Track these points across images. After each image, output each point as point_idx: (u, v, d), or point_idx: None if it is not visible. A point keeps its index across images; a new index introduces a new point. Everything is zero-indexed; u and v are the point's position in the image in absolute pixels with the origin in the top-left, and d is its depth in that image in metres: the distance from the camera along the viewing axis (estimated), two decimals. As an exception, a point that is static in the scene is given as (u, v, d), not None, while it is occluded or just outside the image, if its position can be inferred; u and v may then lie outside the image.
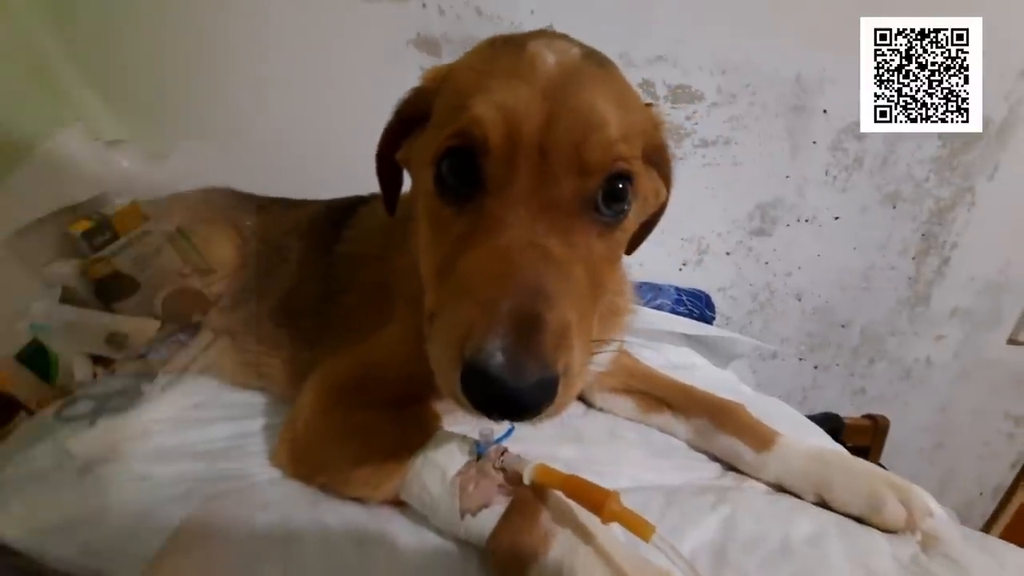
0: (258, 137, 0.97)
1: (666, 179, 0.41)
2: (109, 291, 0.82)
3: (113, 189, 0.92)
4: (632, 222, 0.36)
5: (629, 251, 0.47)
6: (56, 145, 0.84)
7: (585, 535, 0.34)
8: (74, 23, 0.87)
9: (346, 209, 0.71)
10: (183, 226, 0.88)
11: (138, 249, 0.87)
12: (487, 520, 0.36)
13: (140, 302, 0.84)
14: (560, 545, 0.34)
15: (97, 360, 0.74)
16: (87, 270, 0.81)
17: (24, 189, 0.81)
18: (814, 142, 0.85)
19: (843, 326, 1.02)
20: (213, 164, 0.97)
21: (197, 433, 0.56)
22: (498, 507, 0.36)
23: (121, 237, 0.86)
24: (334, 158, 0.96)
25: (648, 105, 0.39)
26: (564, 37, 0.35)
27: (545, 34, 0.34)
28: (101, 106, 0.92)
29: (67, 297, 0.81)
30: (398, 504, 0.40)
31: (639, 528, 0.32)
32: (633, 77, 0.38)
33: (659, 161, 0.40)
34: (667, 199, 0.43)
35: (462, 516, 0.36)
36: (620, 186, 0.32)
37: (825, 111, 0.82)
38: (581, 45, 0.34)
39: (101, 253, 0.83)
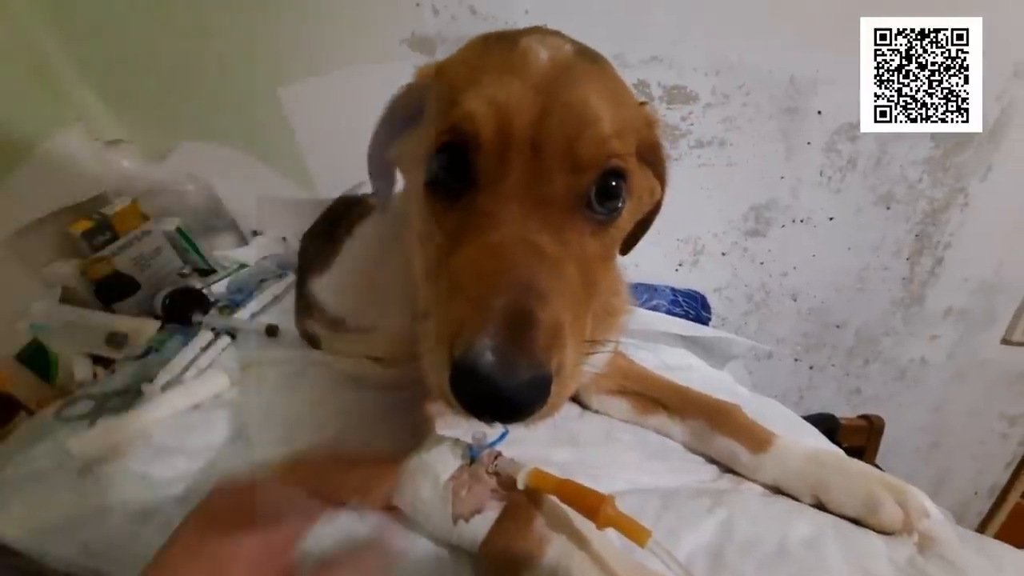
0: (256, 137, 0.96)
1: (661, 178, 0.41)
2: (109, 291, 0.82)
3: (113, 189, 0.92)
4: (626, 220, 0.35)
5: (625, 251, 0.47)
6: (56, 145, 0.84)
7: (580, 541, 0.34)
8: (74, 23, 0.86)
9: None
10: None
11: (138, 249, 0.88)
12: (480, 526, 0.35)
13: (140, 302, 0.85)
14: (554, 551, 0.33)
15: (97, 360, 0.74)
16: (87, 270, 0.81)
17: (24, 189, 0.80)
18: (808, 143, 0.85)
19: (838, 326, 1.02)
20: (212, 164, 0.97)
21: (197, 433, 0.55)
22: (491, 512, 0.36)
23: (121, 237, 0.86)
24: (332, 157, 0.96)
25: (642, 103, 0.38)
26: (557, 33, 0.34)
27: (538, 30, 0.34)
28: (101, 106, 0.92)
29: (67, 297, 0.81)
30: (390, 509, 0.39)
31: (635, 533, 0.31)
32: (628, 78, 0.38)
33: (653, 159, 0.39)
34: (662, 198, 0.43)
35: (455, 522, 0.36)
36: (614, 183, 0.32)
37: (819, 112, 0.82)
38: (574, 42, 0.34)
39: (101, 253, 0.83)
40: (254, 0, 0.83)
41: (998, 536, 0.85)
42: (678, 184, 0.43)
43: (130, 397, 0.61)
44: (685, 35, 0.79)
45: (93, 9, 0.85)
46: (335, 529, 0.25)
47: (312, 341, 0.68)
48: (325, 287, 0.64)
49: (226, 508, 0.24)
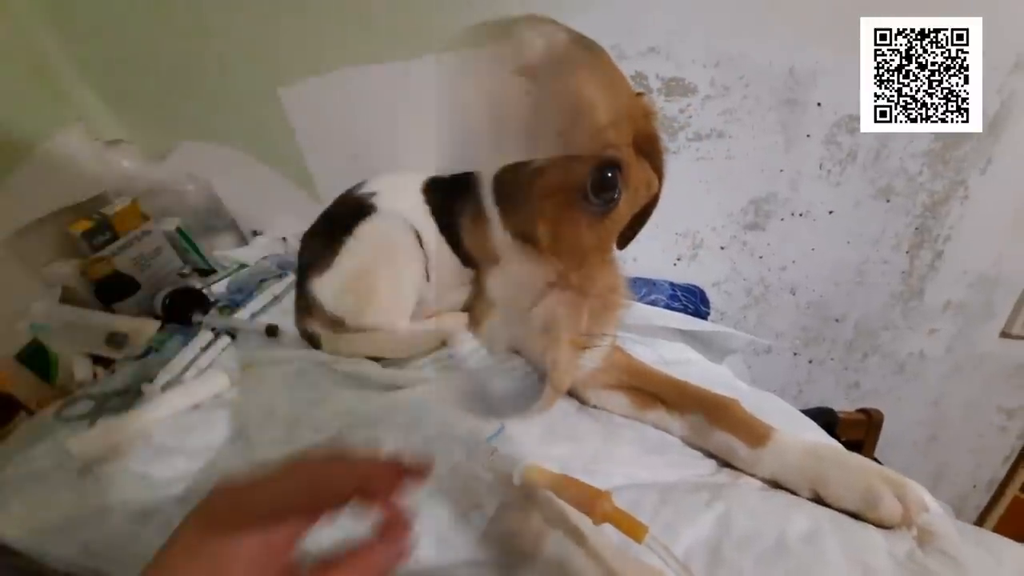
0: (256, 137, 0.96)
1: (658, 170, 0.40)
2: (109, 291, 0.82)
3: (113, 189, 0.92)
4: (623, 212, 0.35)
5: (622, 245, 0.47)
6: (56, 145, 0.84)
7: (577, 537, 0.33)
8: (74, 23, 0.86)
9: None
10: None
11: (138, 249, 0.88)
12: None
13: (140, 302, 0.85)
14: (551, 547, 0.33)
15: (97, 360, 0.74)
16: (87, 270, 0.81)
17: (24, 189, 0.81)
18: (808, 136, 0.84)
19: (837, 320, 1.01)
20: (212, 164, 0.96)
21: (197, 433, 0.55)
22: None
23: (121, 237, 0.86)
24: (332, 157, 0.96)
25: (639, 94, 0.38)
26: (551, 21, 0.34)
27: (532, 18, 0.33)
28: (101, 106, 0.93)
29: (67, 297, 0.81)
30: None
31: (632, 529, 0.31)
32: (626, 69, 0.37)
33: (650, 151, 0.39)
34: (659, 190, 0.42)
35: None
36: (609, 174, 0.31)
37: (819, 104, 0.82)
38: (568, 30, 0.33)
39: (101, 253, 0.83)
40: (254, 0, 0.82)
41: (996, 529, 0.86)
42: (676, 178, 0.43)
43: (130, 397, 0.61)
44: (684, 26, 0.78)
45: (93, 9, 0.85)
46: (335, 529, 0.25)
47: (312, 341, 0.68)
48: (325, 287, 0.64)
49: (226, 508, 0.24)
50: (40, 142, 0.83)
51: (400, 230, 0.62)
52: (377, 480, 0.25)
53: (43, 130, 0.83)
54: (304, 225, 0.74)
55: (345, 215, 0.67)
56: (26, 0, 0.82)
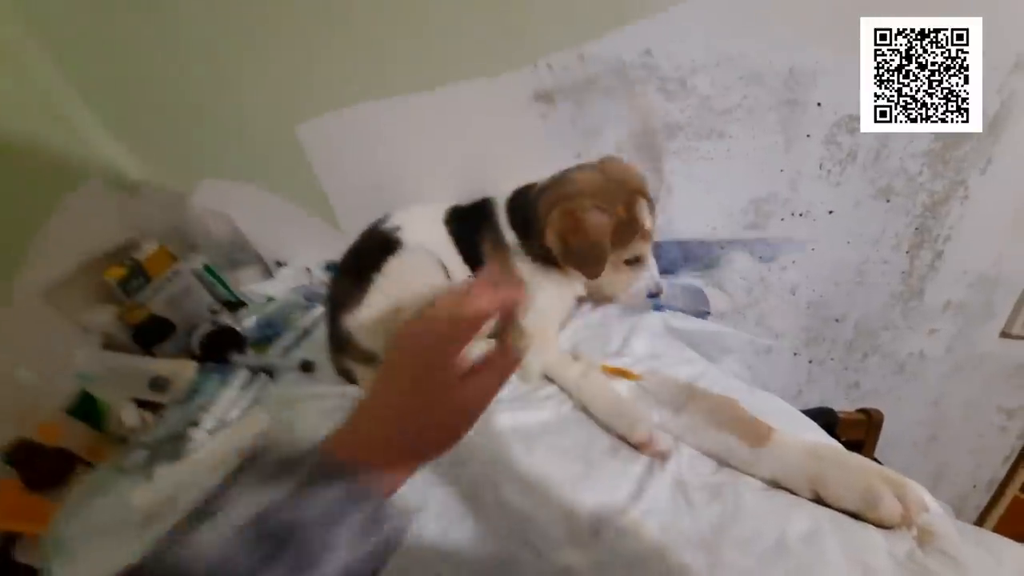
0: (277, 172, 0.97)
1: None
2: (147, 335, 0.85)
3: (139, 231, 0.94)
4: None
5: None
6: (81, 194, 0.87)
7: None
8: (89, 70, 0.87)
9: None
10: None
11: (170, 290, 0.90)
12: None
13: (176, 342, 0.87)
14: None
15: (142, 404, 0.75)
16: (124, 316, 0.84)
17: (55, 241, 0.83)
18: (808, 136, 0.84)
19: (837, 320, 1.01)
20: (233, 199, 0.97)
21: None
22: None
23: (154, 280, 0.88)
24: (352, 192, 0.96)
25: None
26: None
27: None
28: (123, 150, 0.95)
29: (107, 344, 0.84)
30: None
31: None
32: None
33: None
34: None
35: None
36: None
37: (819, 104, 0.81)
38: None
39: (137, 298, 0.85)
40: (271, 41, 0.83)
41: (996, 529, 0.85)
42: (676, 177, 0.43)
43: (179, 443, 0.63)
44: (684, 26, 0.77)
45: (108, 55, 0.86)
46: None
47: (348, 376, 0.68)
48: (357, 323, 0.64)
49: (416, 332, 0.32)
50: (65, 193, 0.85)
51: (427, 264, 0.63)
52: (507, 302, 0.33)
53: (67, 181, 0.86)
54: (326, 254, 0.75)
55: (372, 251, 0.67)
56: (49, 55, 0.84)
